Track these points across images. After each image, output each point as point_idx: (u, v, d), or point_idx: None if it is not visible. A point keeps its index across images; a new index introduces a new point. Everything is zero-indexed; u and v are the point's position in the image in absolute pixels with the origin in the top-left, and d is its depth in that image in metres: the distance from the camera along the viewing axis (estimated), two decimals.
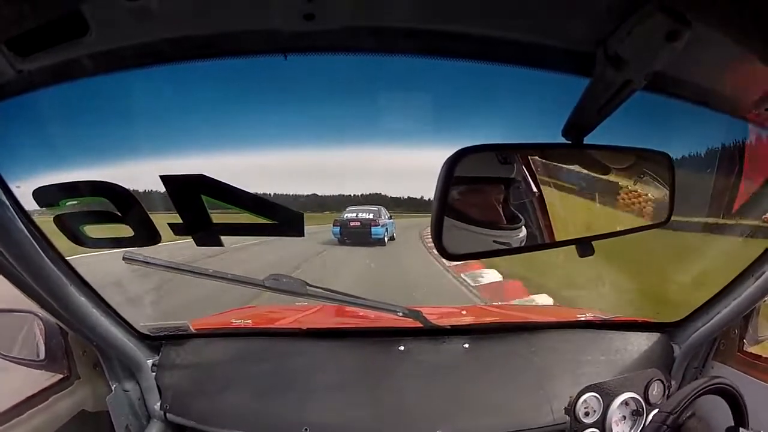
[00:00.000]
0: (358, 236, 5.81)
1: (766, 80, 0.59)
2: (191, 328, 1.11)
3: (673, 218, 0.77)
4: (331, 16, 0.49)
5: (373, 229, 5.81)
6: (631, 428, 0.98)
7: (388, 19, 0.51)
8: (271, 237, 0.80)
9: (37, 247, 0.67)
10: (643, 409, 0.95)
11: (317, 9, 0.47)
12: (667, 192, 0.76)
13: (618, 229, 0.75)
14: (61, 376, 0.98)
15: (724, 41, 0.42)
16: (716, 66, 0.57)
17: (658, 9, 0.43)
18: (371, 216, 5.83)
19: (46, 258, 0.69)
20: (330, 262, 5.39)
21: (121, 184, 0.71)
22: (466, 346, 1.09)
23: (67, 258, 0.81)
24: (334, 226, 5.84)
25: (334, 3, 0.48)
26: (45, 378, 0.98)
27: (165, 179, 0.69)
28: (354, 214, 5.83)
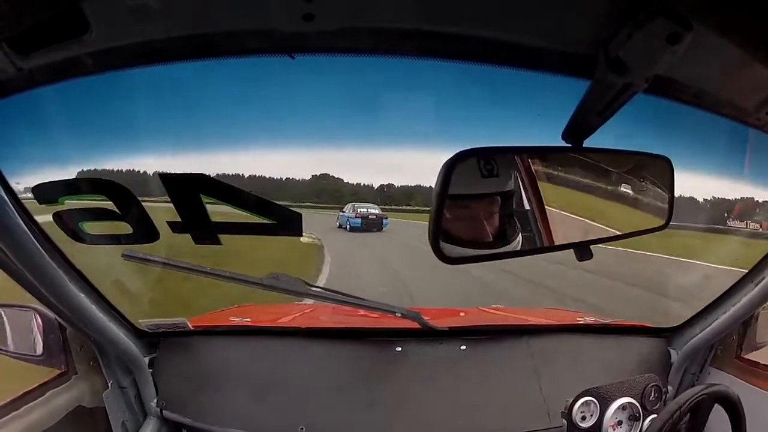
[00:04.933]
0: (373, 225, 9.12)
1: None
2: (189, 325, 1.11)
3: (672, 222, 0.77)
4: (330, 17, 0.49)
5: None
6: None
7: (387, 20, 0.51)
8: None
9: (37, 243, 0.67)
10: (639, 415, 0.95)
11: (317, 9, 0.47)
12: (667, 196, 0.76)
13: (617, 233, 0.75)
14: (59, 371, 0.99)
15: (725, 44, 0.42)
16: (717, 69, 0.57)
17: (660, 12, 0.43)
18: (380, 212, 9.29)
19: (45, 254, 0.70)
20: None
21: (120, 182, 0.72)
22: (464, 348, 1.09)
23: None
24: (355, 217, 8.80)
25: (333, 4, 0.48)
26: (42, 373, 0.98)
27: (164, 177, 0.70)
28: (365, 209, 9.06)
